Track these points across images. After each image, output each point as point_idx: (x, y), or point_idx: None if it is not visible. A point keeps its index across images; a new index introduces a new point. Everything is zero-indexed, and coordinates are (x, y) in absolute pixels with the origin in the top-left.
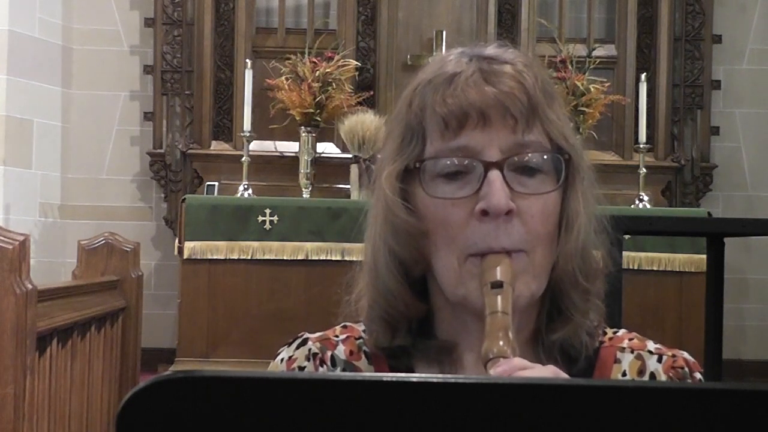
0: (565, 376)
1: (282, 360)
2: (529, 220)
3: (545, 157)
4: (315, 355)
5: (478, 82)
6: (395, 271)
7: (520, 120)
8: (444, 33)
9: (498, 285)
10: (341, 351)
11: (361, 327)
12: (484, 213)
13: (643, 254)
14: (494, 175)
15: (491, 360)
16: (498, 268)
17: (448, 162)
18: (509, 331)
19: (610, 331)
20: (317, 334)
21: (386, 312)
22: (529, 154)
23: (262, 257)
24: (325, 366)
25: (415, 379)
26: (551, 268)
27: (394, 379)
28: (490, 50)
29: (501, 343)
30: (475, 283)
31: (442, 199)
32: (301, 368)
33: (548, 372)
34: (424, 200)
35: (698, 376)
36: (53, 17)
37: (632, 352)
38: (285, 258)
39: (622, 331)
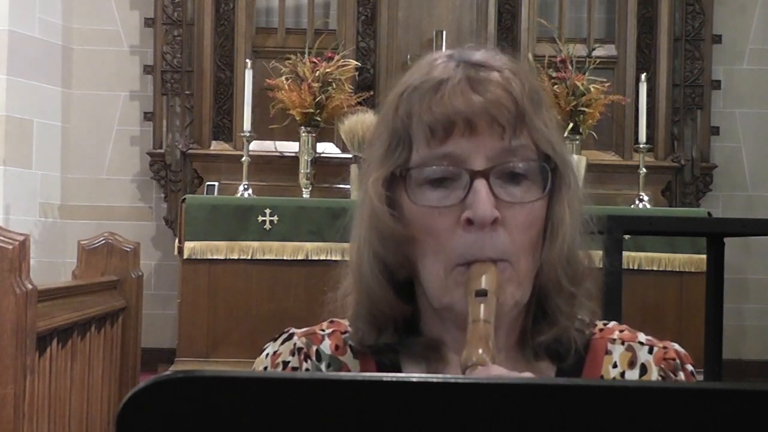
0: None
1: (267, 355)
2: (514, 229)
3: (532, 166)
4: (300, 350)
5: (465, 90)
6: (379, 275)
7: (507, 128)
8: (444, 33)
9: (482, 293)
10: (327, 346)
11: (347, 322)
12: (470, 222)
13: (643, 254)
14: (480, 184)
15: (470, 367)
16: (483, 277)
17: (434, 171)
18: (490, 340)
19: (600, 323)
20: (303, 330)
21: (371, 313)
22: (516, 163)
23: (262, 257)
24: (309, 361)
25: (415, 379)
26: (535, 275)
27: (394, 379)
28: (478, 56)
29: (480, 351)
30: (461, 292)
31: (428, 207)
32: (285, 363)
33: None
34: (410, 208)
35: (689, 367)
36: (53, 17)
37: (623, 343)
38: (285, 258)
39: (612, 323)
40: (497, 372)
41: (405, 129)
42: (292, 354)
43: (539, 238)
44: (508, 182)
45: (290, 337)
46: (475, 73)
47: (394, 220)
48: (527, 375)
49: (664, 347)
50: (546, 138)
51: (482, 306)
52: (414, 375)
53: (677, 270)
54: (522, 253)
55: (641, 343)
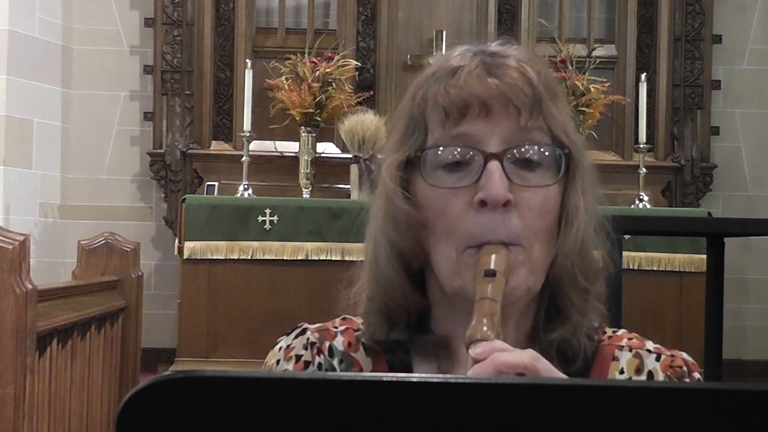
0: (544, 361)
1: (280, 348)
2: (527, 213)
3: (546, 151)
4: (312, 344)
5: (481, 74)
6: (395, 263)
7: (523, 111)
8: (444, 33)
9: (491, 274)
10: (339, 342)
11: (360, 320)
12: (482, 203)
13: (643, 254)
14: (494, 165)
15: (474, 342)
16: (493, 257)
17: (449, 153)
18: (495, 317)
19: (609, 330)
20: (316, 325)
21: (385, 304)
22: (530, 148)
23: (262, 257)
24: (322, 356)
25: (415, 379)
26: (549, 265)
27: (394, 379)
28: (495, 46)
29: (485, 328)
30: (471, 274)
31: (442, 188)
32: (298, 357)
33: (527, 355)
34: (424, 190)
35: (697, 376)
36: (53, 17)
37: (630, 350)
38: (285, 258)
39: (622, 331)
40: (499, 345)
41: (421, 114)
42: (305, 348)
43: (554, 227)
44: (523, 167)
45: (303, 331)
46: (492, 59)
47: (408, 201)
48: (529, 351)
49: (672, 355)
50: (561, 125)
51: (490, 285)
52: (414, 375)
53: (677, 270)
54: (535, 239)
55: (649, 351)
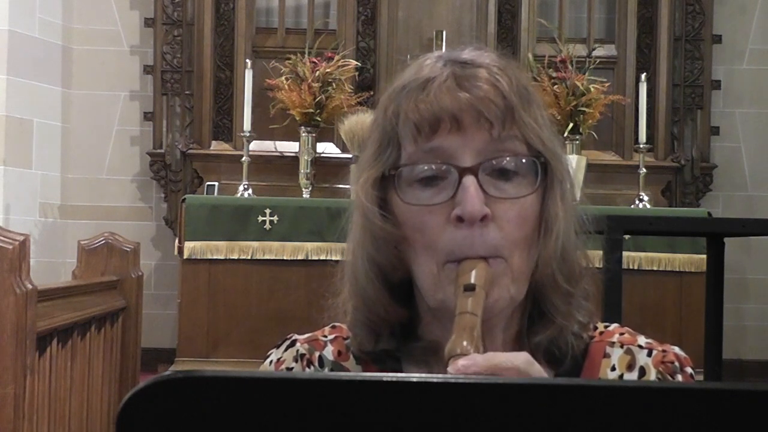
0: (535, 369)
1: (271, 362)
2: (506, 224)
3: (522, 160)
4: (302, 356)
5: (452, 87)
6: (373, 278)
7: (496, 123)
8: (444, 33)
9: (471, 288)
10: (329, 351)
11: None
12: (460, 219)
13: (643, 254)
14: (469, 180)
15: (453, 357)
16: (473, 272)
17: (425, 167)
18: (475, 331)
19: (601, 326)
20: (306, 336)
21: (367, 317)
22: (505, 158)
23: (262, 257)
24: (312, 367)
25: (415, 379)
26: (531, 272)
27: (394, 379)
28: (466, 54)
29: (465, 342)
30: (452, 288)
31: (418, 206)
32: (289, 369)
33: (521, 358)
34: (400, 207)
35: (689, 371)
36: (53, 17)
37: (622, 346)
38: (285, 258)
39: (613, 326)
40: (479, 361)
41: (393, 128)
42: (296, 360)
43: (533, 235)
44: (499, 178)
45: (293, 343)
46: (462, 70)
47: (385, 220)
48: (517, 367)
49: (664, 350)
50: (536, 133)
51: (470, 299)
52: (414, 375)
53: (677, 270)
54: (515, 249)
55: (640, 347)
